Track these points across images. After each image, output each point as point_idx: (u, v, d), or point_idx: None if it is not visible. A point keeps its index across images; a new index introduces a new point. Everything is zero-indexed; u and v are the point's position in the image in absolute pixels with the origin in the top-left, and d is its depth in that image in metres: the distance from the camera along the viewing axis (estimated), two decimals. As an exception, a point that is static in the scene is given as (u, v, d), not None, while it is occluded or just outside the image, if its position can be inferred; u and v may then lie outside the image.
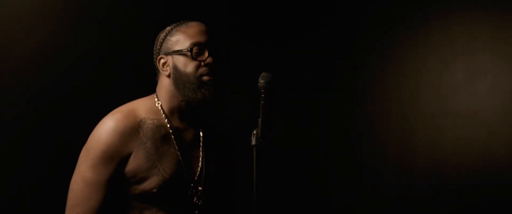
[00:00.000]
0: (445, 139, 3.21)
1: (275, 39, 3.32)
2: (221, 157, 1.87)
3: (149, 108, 1.75)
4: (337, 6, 3.46)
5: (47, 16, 2.51)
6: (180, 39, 1.74)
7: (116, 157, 1.65)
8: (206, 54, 1.71)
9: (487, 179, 3.10)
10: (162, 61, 1.77)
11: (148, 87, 1.84)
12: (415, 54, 3.31)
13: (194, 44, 1.71)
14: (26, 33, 2.45)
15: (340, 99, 3.45)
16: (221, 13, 3.08)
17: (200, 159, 1.79)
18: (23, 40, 2.44)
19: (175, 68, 1.73)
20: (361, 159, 3.40)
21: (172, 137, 1.74)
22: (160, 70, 1.78)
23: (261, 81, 1.56)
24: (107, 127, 1.66)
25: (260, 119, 1.57)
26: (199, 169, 1.77)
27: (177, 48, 1.74)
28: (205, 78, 1.71)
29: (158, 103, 1.77)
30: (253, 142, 1.57)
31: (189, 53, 1.71)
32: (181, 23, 1.79)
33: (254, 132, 1.57)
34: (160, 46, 1.78)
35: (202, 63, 1.71)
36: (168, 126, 1.74)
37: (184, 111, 1.77)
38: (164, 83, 1.78)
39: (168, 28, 1.80)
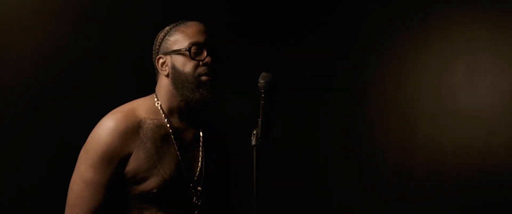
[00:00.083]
0: (445, 139, 3.21)
1: (275, 39, 3.32)
2: (220, 157, 1.87)
3: (149, 108, 1.75)
4: (337, 6, 3.46)
5: (47, 16, 2.51)
6: (178, 39, 1.74)
7: (116, 157, 1.64)
8: (205, 53, 1.72)
9: (487, 179, 3.10)
10: (161, 61, 1.77)
11: (148, 87, 1.84)
12: (415, 54, 3.31)
13: (192, 44, 1.71)
14: (26, 33, 2.45)
15: (340, 99, 3.45)
16: (221, 13, 3.08)
17: (200, 159, 1.79)
18: (23, 40, 2.44)
19: (173, 68, 1.73)
20: (361, 159, 3.40)
21: (172, 137, 1.74)
22: (159, 70, 1.78)
23: (261, 81, 1.56)
24: (108, 127, 1.65)
25: (260, 119, 1.57)
26: (198, 169, 1.77)
27: (175, 47, 1.74)
28: (203, 78, 1.71)
29: (158, 103, 1.77)
30: (253, 142, 1.57)
31: (187, 53, 1.71)
32: (180, 23, 1.79)
33: (254, 132, 1.57)
34: (159, 46, 1.78)
35: (201, 62, 1.71)
36: (168, 126, 1.74)
37: (184, 110, 1.78)
38: (163, 83, 1.78)
39: (167, 28, 1.80)
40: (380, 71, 3.39)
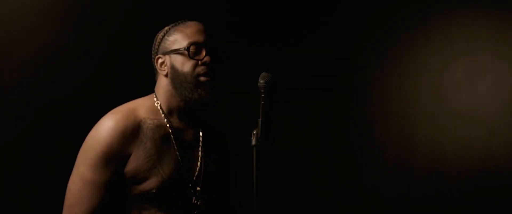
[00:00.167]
0: (445, 139, 3.21)
1: (275, 39, 3.32)
2: (220, 157, 1.87)
3: (149, 107, 1.75)
4: (337, 6, 3.46)
5: (47, 16, 2.51)
6: (177, 38, 1.75)
7: (116, 157, 1.64)
8: (204, 53, 1.72)
9: (487, 179, 3.10)
10: (160, 60, 1.77)
11: (148, 87, 1.84)
12: (415, 54, 3.31)
13: (191, 43, 1.71)
14: (26, 33, 2.45)
15: (340, 99, 3.45)
16: (221, 13, 3.08)
17: (199, 159, 1.79)
18: (23, 40, 2.44)
19: (172, 67, 1.73)
20: (361, 159, 3.40)
21: (172, 137, 1.74)
22: (158, 70, 1.78)
23: (261, 81, 1.56)
24: (107, 127, 1.65)
25: (260, 119, 1.57)
26: (197, 169, 1.77)
27: (174, 47, 1.74)
28: (202, 78, 1.71)
29: (157, 103, 1.77)
30: (253, 142, 1.57)
31: (186, 52, 1.71)
32: (179, 23, 1.79)
33: (254, 132, 1.58)
34: (158, 45, 1.79)
35: (200, 62, 1.71)
36: (168, 126, 1.74)
37: (183, 110, 1.78)
38: (162, 83, 1.78)
39: (166, 28, 1.80)
40: (380, 71, 3.39)
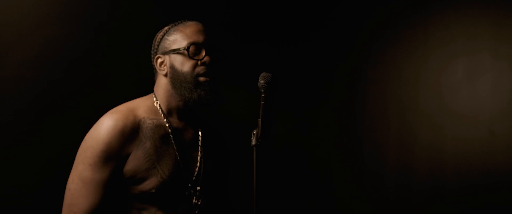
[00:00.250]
0: (445, 139, 3.21)
1: (275, 39, 3.32)
2: (219, 156, 1.87)
3: (148, 107, 1.75)
4: (337, 6, 3.46)
5: (47, 16, 2.51)
6: (177, 38, 1.75)
7: (115, 156, 1.64)
8: (203, 53, 1.72)
9: (487, 179, 3.10)
10: (159, 60, 1.77)
11: (148, 87, 1.84)
12: (415, 54, 3.31)
13: (191, 43, 1.71)
14: (26, 33, 2.45)
15: (340, 99, 3.44)
16: (221, 13, 3.08)
17: (199, 159, 1.79)
18: (23, 40, 2.44)
19: (172, 67, 1.73)
20: (361, 159, 3.40)
21: (171, 137, 1.74)
22: (158, 69, 1.78)
23: (261, 81, 1.56)
24: (107, 126, 1.65)
25: (260, 119, 1.57)
26: (197, 169, 1.77)
27: (174, 47, 1.74)
28: (201, 79, 1.71)
29: (157, 103, 1.77)
30: (253, 142, 1.57)
31: (186, 52, 1.71)
32: (178, 23, 1.79)
33: (254, 132, 1.57)
34: (158, 45, 1.79)
35: (199, 62, 1.71)
36: (167, 125, 1.74)
37: (182, 110, 1.78)
38: (162, 83, 1.78)
39: (166, 27, 1.80)
40: (380, 71, 3.39)
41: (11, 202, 2.41)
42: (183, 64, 1.71)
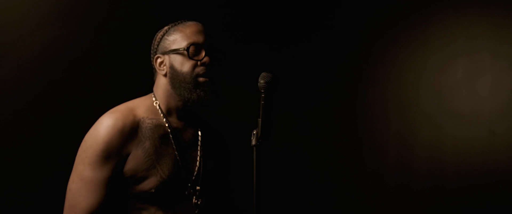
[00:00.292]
0: (445, 139, 3.21)
1: (275, 39, 3.32)
2: (219, 156, 1.87)
3: (148, 107, 1.76)
4: (337, 6, 3.46)
5: (47, 16, 2.51)
6: (177, 38, 1.75)
7: (115, 156, 1.64)
8: (203, 53, 1.72)
9: (487, 179, 3.10)
10: (159, 60, 1.78)
11: (148, 87, 1.84)
12: (415, 54, 3.31)
13: (191, 44, 1.72)
14: (26, 33, 2.45)
15: (340, 99, 3.44)
16: (221, 13, 3.08)
17: (198, 159, 1.79)
18: (23, 40, 2.44)
19: (171, 67, 1.74)
20: (361, 159, 3.40)
21: (171, 136, 1.74)
22: (157, 69, 1.78)
23: (261, 81, 1.56)
24: (106, 125, 1.65)
25: (260, 119, 1.57)
26: (196, 169, 1.77)
27: (174, 47, 1.74)
28: (201, 79, 1.71)
29: (156, 103, 1.77)
30: (253, 142, 1.57)
31: (185, 52, 1.71)
32: (178, 23, 1.80)
33: (254, 132, 1.58)
34: (158, 45, 1.79)
35: (199, 62, 1.71)
36: (167, 125, 1.75)
37: (182, 110, 1.78)
38: (161, 83, 1.78)
39: (166, 27, 1.80)
40: (380, 71, 3.39)
41: (11, 202, 2.41)
42: (183, 65, 1.72)
